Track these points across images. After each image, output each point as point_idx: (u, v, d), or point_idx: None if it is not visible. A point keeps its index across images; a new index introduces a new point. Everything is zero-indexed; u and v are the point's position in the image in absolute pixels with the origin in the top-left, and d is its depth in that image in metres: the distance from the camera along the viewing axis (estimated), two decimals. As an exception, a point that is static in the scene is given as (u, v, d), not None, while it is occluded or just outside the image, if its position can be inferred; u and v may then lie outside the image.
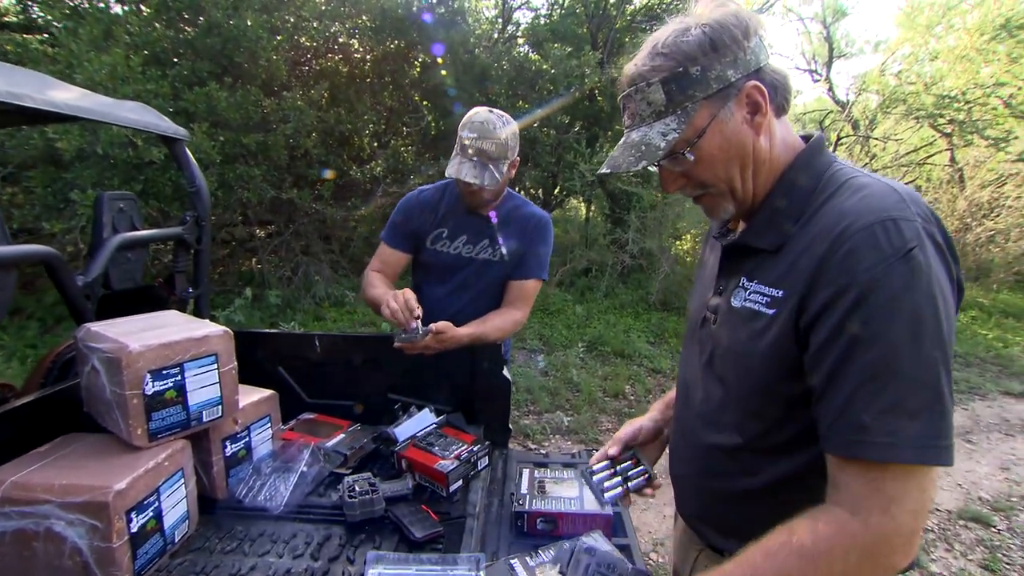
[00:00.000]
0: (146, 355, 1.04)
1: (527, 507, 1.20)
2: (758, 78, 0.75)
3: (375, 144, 6.47)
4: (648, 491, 1.00)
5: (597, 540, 0.98)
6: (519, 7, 7.90)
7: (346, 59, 6.26)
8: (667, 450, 1.05)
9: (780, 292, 0.74)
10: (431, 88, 6.38)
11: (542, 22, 7.53)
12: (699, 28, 0.73)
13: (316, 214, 5.65)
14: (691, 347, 0.93)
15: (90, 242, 1.58)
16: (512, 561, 1.01)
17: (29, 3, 4.90)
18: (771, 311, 0.74)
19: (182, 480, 1.11)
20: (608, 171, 0.80)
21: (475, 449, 1.37)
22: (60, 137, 3.73)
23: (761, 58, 0.76)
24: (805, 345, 0.71)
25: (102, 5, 4.77)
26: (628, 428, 1.06)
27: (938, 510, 2.95)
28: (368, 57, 6.34)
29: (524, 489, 1.28)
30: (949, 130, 9.25)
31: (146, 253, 1.83)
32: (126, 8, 4.91)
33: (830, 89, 10.85)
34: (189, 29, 4.95)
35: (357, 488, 1.20)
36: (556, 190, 7.47)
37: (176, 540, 1.09)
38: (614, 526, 1.17)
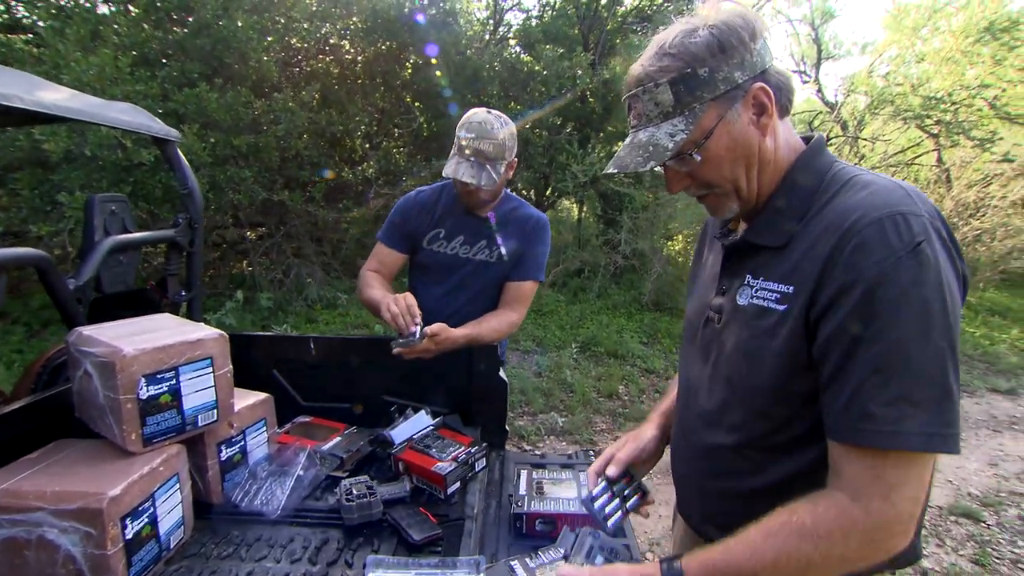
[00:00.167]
0: (140, 359, 1.02)
1: (526, 508, 1.19)
2: (764, 80, 0.76)
3: (367, 145, 6.45)
4: (644, 509, 0.99)
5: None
6: (510, 8, 7.91)
7: (337, 60, 6.24)
8: (667, 451, 1.05)
9: (790, 288, 0.75)
10: (423, 89, 6.37)
11: (533, 23, 7.55)
12: (706, 29, 0.74)
13: (307, 216, 5.62)
14: (692, 348, 0.93)
15: (81, 245, 1.55)
16: (512, 563, 1.00)
17: (13, 3, 4.83)
18: (782, 307, 0.75)
19: (177, 485, 1.09)
20: (615, 171, 0.80)
21: (472, 451, 1.37)
22: (47, 139, 3.68)
23: (766, 60, 0.76)
24: (814, 337, 0.71)
25: (88, 5, 4.71)
26: (631, 448, 1.02)
27: (929, 506, 2.98)
28: (359, 58, 6.31)
29: (522, 490, 1.28)
30: (936, 131, 9.36)
31: (138, 256, 1.80)
32: (113, 9, 4.85)
33: (819, 90, 10.96)
34: (178, 30, 4.91)
35: (354, 491, 1.19)
36: (548, 191, 7.49)
37: (171, 546, 1.07)
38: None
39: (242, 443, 1.30)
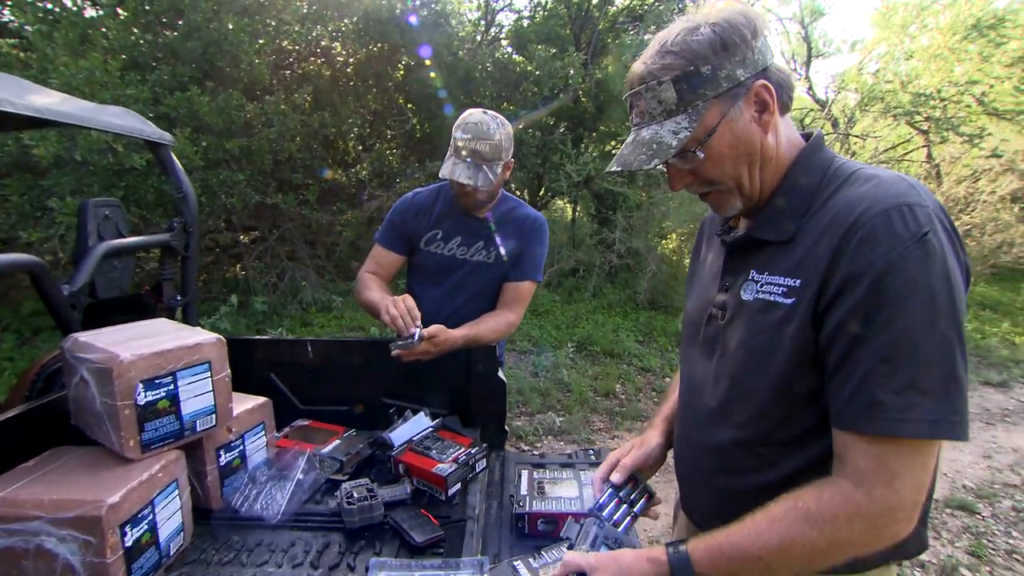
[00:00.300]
0: (138, 364, 1.01)
1: (527, 508, 1.19)
2: (765, 77, 0.76)
3: (360, 147, 6.43)
4: (652, 511, 1.00)
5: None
6: (502, 9, 7.92)
7: (329, 62, 6.21)
8: (671, 450, 1.05)
9: (797, 281, 0.75)
10: (415, 91, 6.36)
11: (525, 24, 7.56)
12: (708, 27, 0.74)
13: (301, 219, 5.59)
14: (694, 346, 0.93)
15: (74, 250, 1.54)
16: (515, 563, 1.00)
17: (-1, 7, 4.79)
18: (789, 300, 0.75)
19: (176, 491, 1.09)
20: (618, 169, 0.80)
21: (473, 452, 1.36)
22: (36, 144, 3.64)
23: (767, 57, 0.77)
24: (821, 328, 0.72)
25: (75, 9, 4.67)
26: (637, 455, 1.02)
27: (925, 499, 3.00)
28: (351, 60, 6.29)
29: (524, 490, 1.28)
30: (925, 127, 9.45)
31: (133, 261, 1.79)
32: (101, 12, 4.81)
33: (810, 88, 11.03)
34: (168, 33, 4.87)
35: (355, 494, 1.19)
36: (541, 191, 7.49)
37: (171, 553, 1.06)
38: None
39: (241, 448, 1.29)
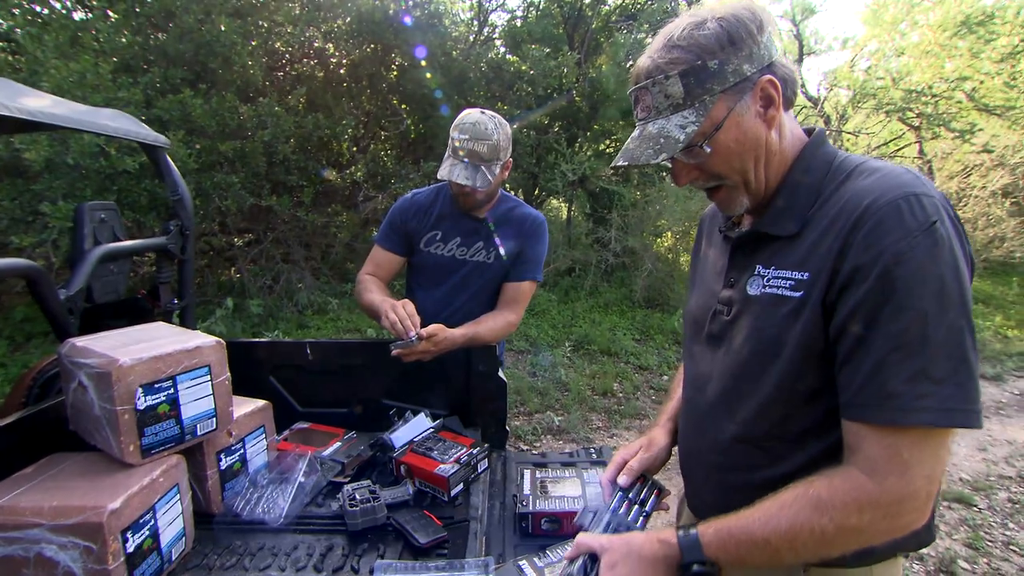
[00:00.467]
0: (137, 369, 1.01)
1: (531, 508, 1.19)
2: (771, 72, 0.76)
3: (354, 149, 6.41)
4: (663, 505, 1.00)
5: None
6: (495, 10, 7.91)
7: (322, 64, 6.19)
8: (675, 448, 1.05)
9: (805, 274, 0.75)
10: (409, 91, 6.34)
11: (518, 23, 7.55)
12: (715, 22, 0.74)
13: (295, 221, 5.57)
14: (699, 343, 0.93)
15: (70, 254, 1.53)
16: (521, 563, 1.00)
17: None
18: (798, 293, 0.75)
19: (177, 496, 1.08)
20: (625, 163, 0.80)
21: (474, 452, 1.36)
22: (28, 147, 3.60)
23: (773, 52, 0.77)
24: (831, 320, 0.72)
25: (64, 12, 4.63)
26: (644, 458, 1.01)
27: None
28: (344, 61, 6.27)
29: (527, 490, 1.27)
30: (917, 123, 9.52)
31: (129, 265, 1.77)
32: (91, 15, 4.77)
33: (802, 85, 11.09)
34: (160, 35, 4.84)
35: (358, 496, 1.18)
36: (536, 191, 7.49)
37: (173, 558, 1.06)
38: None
39: (241, 451, 1.28)
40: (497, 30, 7.87)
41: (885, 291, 0.66)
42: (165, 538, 1.03)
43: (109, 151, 3.94)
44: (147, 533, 0.98)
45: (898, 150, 10.09)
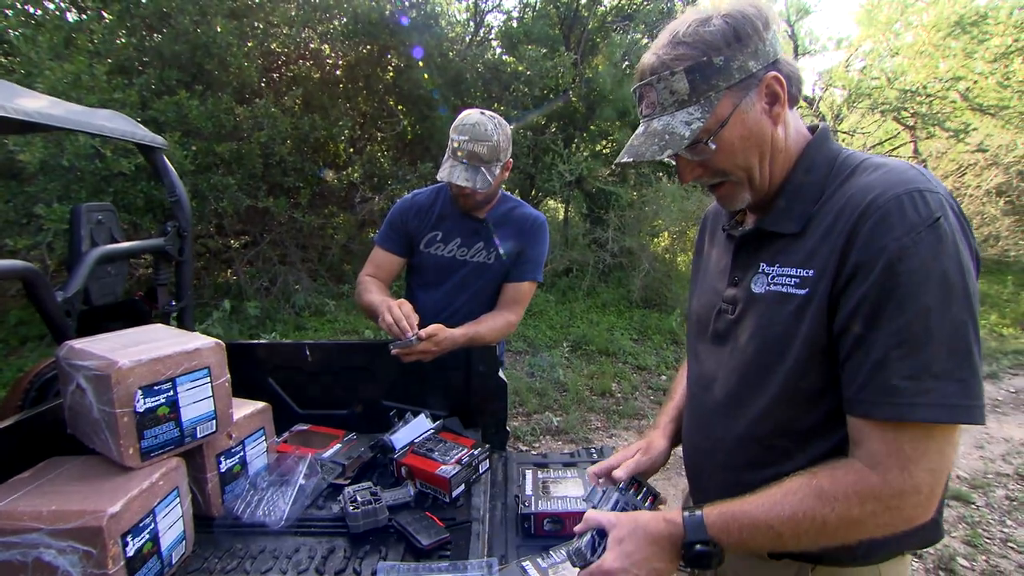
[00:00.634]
0: (136, 371, 1.00)
1: (533, 508, 1.19)
2: (776, 69, 0.76)
3: (351, 150, 6.39)
4: (660, 509, 1.00)
5: None
6: (490, 11, 7.91)
7: (318, 65, 6.17)
8: (679, 448, 1.05)
9: (810, 272, 0.75)
10: (406, 92, 6.33)
11: (514, 24, 7.56)
12: (720, 19, 0.74)
13: (292, 222, 5.55)
14: (703, 342, 0.93)
15: (67, 256, 1.51)
16: (524, 564, 1.00)
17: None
18: (803, 291, 0.75)
19: (177, 499, 1.07)
20: (629, 159, 0.80)
21: (475, 453, 1.36)
22: (22, 149, 3.58)
23: (778, 49, 0.77)
24: (835, 316, 0.72)
25: (58, 13, 4.60)
26: (642, 461, 1.01)
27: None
28: (341, 62, 6.26)
29: (528, 491, 1.27)
30: (912, 123, 9.58)
31: (126, 266, 1.76)
32: (86, 16, 4.74)
33: (799, 85, 11.13)
34: (155, 36, 4.82)
35: (359, 498, 1.18)
36: (533, 191, 7.49)
37: (174, 562, 1.05)
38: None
39: (241, 454, 1.27)
40: (493, 31, 7.87)
41: (888, 287, 0.66)
42: (165, 542, 1.02)
43: (105, 153, 3.92)
44: (147, 537, 0.98)
45: (893, 150, 10.14)
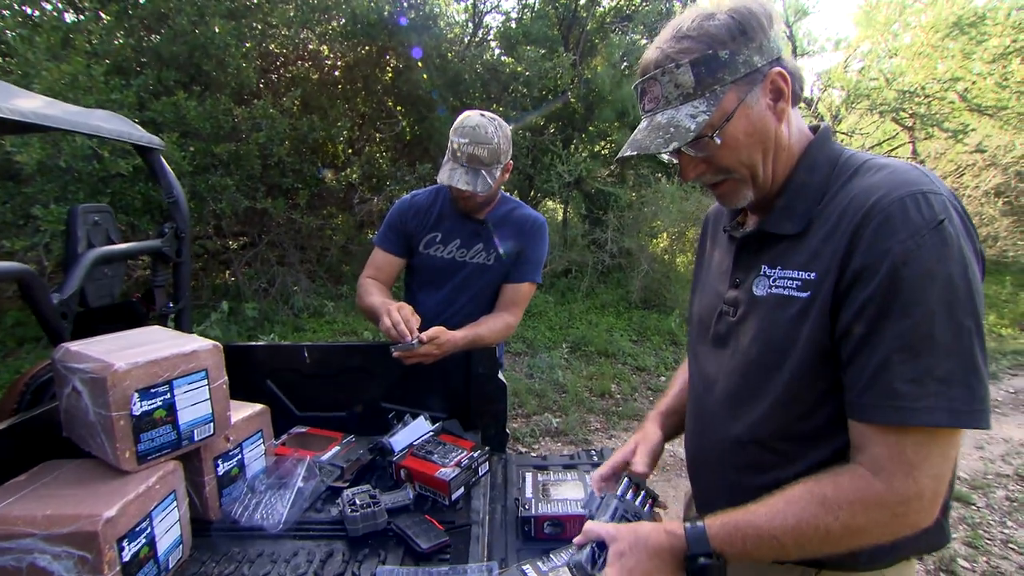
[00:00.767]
0: (133, 373, 0.99)
1: (533, 511, 1.18)
2: (780, 65, 0.76)
3: (349, 151, 6.38)
4: (657, 517, 0.99)
5: None
6: (489, 11, 7.91)
7: (317, 65, 6.17)
8: (681, 452, 1.04)
9: (812, 274, 0.74)
10: (404, 93, 6.33)
11: (513, 25, 7.56)
12: (725, 13, 0.74)
13: (291, 224, 5.54)
14: (704, 344, 0.92)
15: (63, 257, 1.50)
16: (525, 567, 0.99)
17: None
18: (805, 294, 0.74)
19: (174, 503, 1.06)
20: (632, 153, 0.79)
21: (475, 455, 1.35)
22: (19, 150, 3.56)
23: (781, 46, 0.76)
24: (837, 319, 0.71)
25: (56, 13, 4.59)
26: (644, 452, 1.01)
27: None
28: (339, 63, 6.25)
29: (528, 493, 1.26)
30: (910, 123, 9.59)
31: (123, 268, 1.75)
32: (83, 17, 4.73)
33: (798, 85, 11.15)
34: (153, 37, 4.81)
35: (358, 501, 1.17)
36: (532, 192, 7.49)
37: (171, 567, 1.04)
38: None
39: (239, 456, 1.26)
40: (492, 31, 7.87)
41: (892, 291, 0.66)
42: (162, 546, 1.01)
43: (102, 154, 3.90)
44: (143, 541, 0.97)
45: (892, 150, 10.15)
